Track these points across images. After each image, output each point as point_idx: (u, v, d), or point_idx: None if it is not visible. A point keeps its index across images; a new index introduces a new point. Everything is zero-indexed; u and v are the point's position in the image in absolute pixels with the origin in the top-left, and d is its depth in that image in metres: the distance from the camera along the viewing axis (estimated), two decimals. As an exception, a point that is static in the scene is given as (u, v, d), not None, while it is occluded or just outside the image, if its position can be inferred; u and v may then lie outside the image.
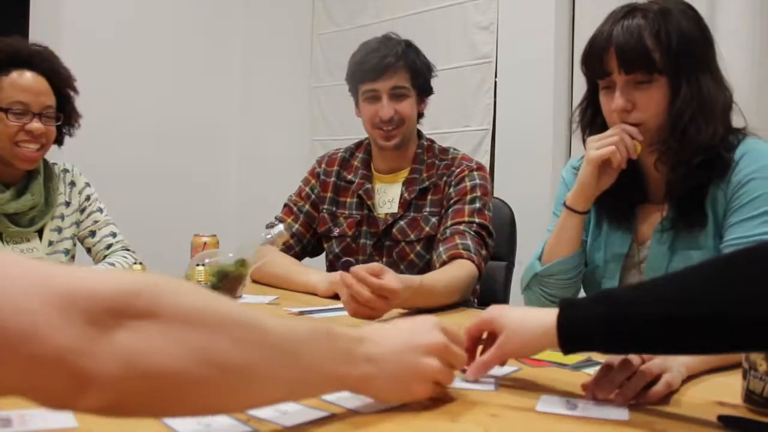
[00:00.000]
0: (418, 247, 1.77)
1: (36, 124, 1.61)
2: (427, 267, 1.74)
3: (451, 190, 1.76)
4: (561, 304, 0.79)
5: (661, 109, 1.18)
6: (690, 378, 0.91)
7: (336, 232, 1.86)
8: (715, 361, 0.94)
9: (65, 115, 1.72)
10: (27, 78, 1.61)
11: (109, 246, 1.79)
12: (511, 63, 2.98)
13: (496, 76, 3.03)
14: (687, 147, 1.17)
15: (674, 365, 0.85)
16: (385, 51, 1.74)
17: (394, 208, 1.81)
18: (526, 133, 2.87)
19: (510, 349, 0.84)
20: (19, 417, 0.69)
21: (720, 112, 1.18)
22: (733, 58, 2.34)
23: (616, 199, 1.31)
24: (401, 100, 1.76)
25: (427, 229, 1.76)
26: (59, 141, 1.77)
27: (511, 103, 2.97)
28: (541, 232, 1.45)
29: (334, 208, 1.88)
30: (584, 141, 1.35)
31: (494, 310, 0.87)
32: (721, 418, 0.74)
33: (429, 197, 1.79)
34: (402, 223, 1.79)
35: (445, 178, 1.78)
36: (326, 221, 1.88)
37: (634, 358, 0.81)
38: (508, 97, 2.98)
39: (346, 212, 1.86)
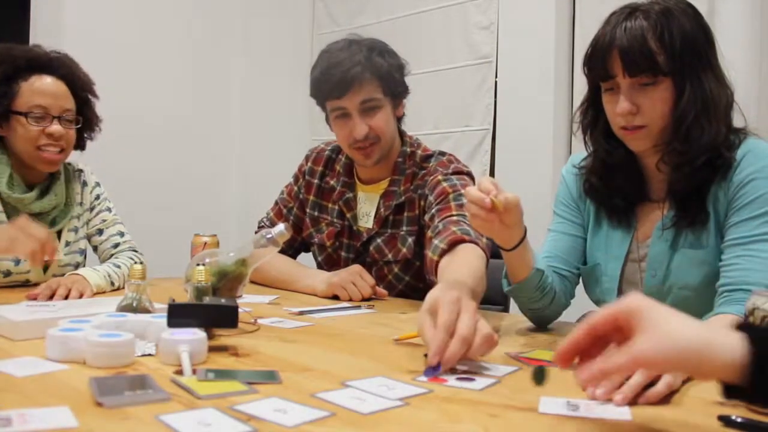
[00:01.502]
0: (396, 269, 1.69)
1: (56, 127, 1.63)
2: (406, 290, 1.68)
3: (430, 198, 1.60)
4: (751, 335, 0.62)
5: (666, 110, 1.18)
6: (690, 378, 0.91)
7: (316, 239, 1.79)
8: None
9: (85, 119, 1.74)
10: (46, 82, 1.64)
11: (117, 245, 1.79)
12: (511, 63, 2.97)
13: (496, 76, 3.03)
14: (690, 148, 1.17)
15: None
16: (347, 62, 1.57)
17: (370, 223, 1.71)
18: (526, 133, 2.87)
19: (649, 356, 0.63)
20: (19, 417, 0.69)
21: (722, 111, 1.18)
22: (733, 58, 2.32)
23: (617, 198, 1.31)
24: (374, 114, 1.61)
25: (404, 250, 1.66)
26: (81, 146, 1.80)
27: (511, 103, 2.97)
28: (542, 232, 1.45)
29: (316, 213, 1.80)
30: (585, 143, 1.34)
31: (638, 299, 0.67)
32: (721, 418, 0.74)
33: (405, 214, 1.67)
34: (379, 240, 1.69)
35: (419, 191, 1.66)
36: (308, 226, 1.81)
37: None
38: (508, 97, 2.98)
39: (328, 218, 1.78)
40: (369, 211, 1.73)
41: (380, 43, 1.67)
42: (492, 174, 3.01)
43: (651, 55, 1.15)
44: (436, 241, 1.40)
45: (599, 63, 1.20)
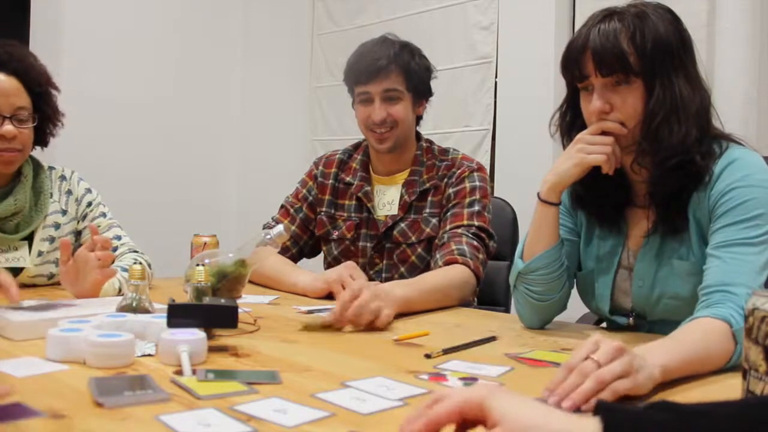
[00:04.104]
0: (419, 249, 1.77)
1: (8, 127, 1.52)
2: (427, 269, 1.73)
3: (451, 190, 1.75)
4: (601, 409, 0.58)
5: (637, 110, 1.19)
6: (689, 379, 0.91)
7: (335, 234, 1.84)
8: (695, 367, 0.94)
9: (43, 115, 1.63)
10: None
11: (115, 249, 1.69)
12: (511, 63, 2.97)
13: (496, 76, 3.03)
14: (659, 148, 1.17)
15: (647, 367, 0.84)
16: (378, 53, 1.73)
17: (394, 210, 1.79)
18: (526, 133, 2.86)
19: None
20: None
21: (694, 114, 1.18)
22: (733, 58, 2.34)
23: (604, 204, 1.31)
24: (394, 103, 1.75)
25: (428, 230, 1.75)
26: (43, 142, 1.69)
27: (511, 103, 2.97)
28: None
29: (332, 211, 1.86)
30: (564, 145, 1.35)
31: (483, 391, 0.61)
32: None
33: (429, 198, 1.78)
34: (403, 225, 1.78)
35: (446, 180, 1.78)
36: (324, 224, 1.86)
37: (587, 364, 0.80)
38: (508, 97, 2.98)
39: (345, 215, 1.84)
40: (391, 200, 1.83)
41: (413, 45, 1.82)
42: (492, 174, 3.01)
43: (622, 56, 1.16)
44: (437, 255, 1.67)
45: (573, 64, 1.23)
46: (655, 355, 0.87)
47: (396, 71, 1.74)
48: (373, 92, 1.74)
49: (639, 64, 1.16)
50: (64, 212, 1.71)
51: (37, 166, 1.70)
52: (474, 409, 0.60)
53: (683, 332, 1.00)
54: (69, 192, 1.74)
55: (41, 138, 1.67)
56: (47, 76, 1.64)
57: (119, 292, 1.53)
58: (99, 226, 1.72)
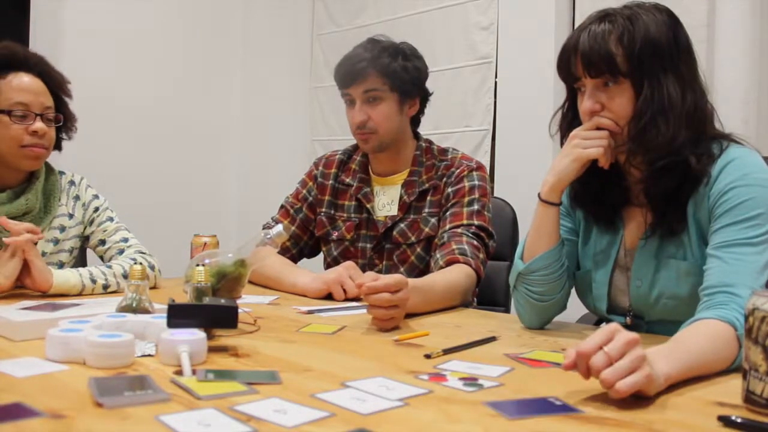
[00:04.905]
0: (418, 249, 1.76)
1: (39, 124, 1.60)
2: (427, 269, 1.74)
3: (450, 190, 1.75)
4: None
5: (626, 110, 1.19)
6: (690, 379, 0.91)
7: (334, 235, 1.84)
8: (700, 372, 0.94)
9: (64, 118, 1.70)
10: (25, 80, 1.61)
11: (122, 251, 1.73)
12: (511, 63, 2.97)
13: (496, 76, 3.03)
14: (647, 148, 1.17)
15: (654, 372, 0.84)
16: (359, 57, 1.75)
17: (394, 211, 1.79)
18: (526, 133, 2.86)
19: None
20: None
21: (685, 115, 1.18)
22: (733, 58, 2.34)
23: (601, 203, 1.31)
24: (375, 105, 1.74)
25: (427, 230, 1.75)
26: (58, 146, 1.75)
27: (511, 103, 2.97)
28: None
29: (332, 211, 1.86)
30: (562, 145, 1.35)
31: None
32: (721, 418, 0.74)
33: (428, 198, 1.77)
34: (402, 225, 1.77)
35: (445, 179, 1.77)
36: (324, 224, 1.86)
37: (598, 358, 0.80)
38: (508, 97, 2.98)
39: (345, 215, 1.84)
40: (390, 201, 1.82)
41: (401, 46, 1.79)
42: (492, 174, 3.01)
43: (609, 57, 1.17)
44: (438, 255, 1.66)
45: (566, 66, 1.24)
46: (660, 363, 0.86)
47: (374, 73, 1.73)
48: (353, 94, 1.76)
49: (627, 66, 1.17)
50: (71, 216, 1.75)
51: (48, 169, 1.75)
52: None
53: (688, 336, 0.99)
54: (77, 197, 1.78)
55: (57, 142, 1.72)
56: (65, 83, 1.71)
57: (94, 285, 1.56)
58: (106, 231, 1.77)
